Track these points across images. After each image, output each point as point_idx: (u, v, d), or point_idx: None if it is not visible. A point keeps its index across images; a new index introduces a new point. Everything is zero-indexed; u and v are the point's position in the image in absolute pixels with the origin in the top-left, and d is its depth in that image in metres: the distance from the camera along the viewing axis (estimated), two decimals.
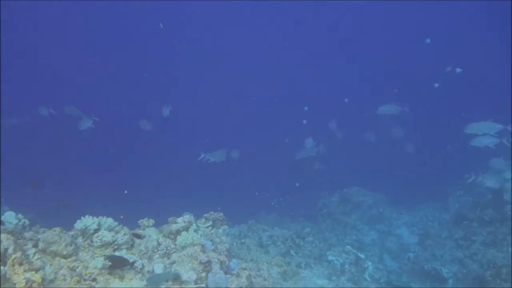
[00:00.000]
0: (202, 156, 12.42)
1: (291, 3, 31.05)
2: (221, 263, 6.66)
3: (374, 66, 30.38)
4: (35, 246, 5.70)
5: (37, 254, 5.33)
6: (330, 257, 11.04)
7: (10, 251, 4.83)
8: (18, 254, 4.79)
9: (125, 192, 9.58)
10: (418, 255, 12.36)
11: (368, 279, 10.64)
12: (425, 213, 14.27)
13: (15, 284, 4.57)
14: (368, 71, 30.40)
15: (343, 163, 20.37)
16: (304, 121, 19.03)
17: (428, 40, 16.61)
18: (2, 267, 4.60)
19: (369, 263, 11.22)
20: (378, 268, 11.42)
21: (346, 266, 10.87)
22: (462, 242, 11.71)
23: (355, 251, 11.54)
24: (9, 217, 6.35)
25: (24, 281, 4.53)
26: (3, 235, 4.94)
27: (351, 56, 32.26)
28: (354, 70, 31.12)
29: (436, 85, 16.34)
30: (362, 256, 11.42)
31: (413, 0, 28.16)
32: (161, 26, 24.93)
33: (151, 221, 7.36)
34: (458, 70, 14.32)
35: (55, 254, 5.62)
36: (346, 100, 23.43)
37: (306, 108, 19.95)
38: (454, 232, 12.27)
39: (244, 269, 6.97)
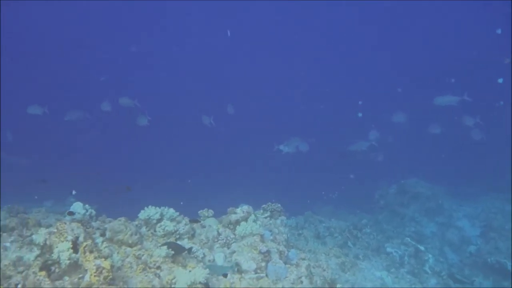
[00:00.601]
0: (276, 147, 12.48)
1: None
2: (280, 253, 6.69)
3: (426, 57, 29.61)
4: (103, 235, 5.94)
5: (105, 242, 5.54)
6: (388, 249, 10.88)
7: (81, 239, 5.04)
8: (89, 242, 5.00)
9: (189, 181, 9.82)
10: (481, 248, 11.97)
11: (429, 271, 10.42)
12: (487, 205, 13.75)
13: (86, 270, 4.77)
14: (420, 62, 29.66)
15: (401, 154, 19.95)
16: (360, 114, 18.80)
17: (499, 31, 16.03)
18: (74, 254, 4.81)
19: (429, 255, 10.98)
20: (439, 260, 11.16)
21: (406, 258, 10.69)
22: None
23: (414, 243, 11.33)
24: (77, 207, 6.65)
25: (94, 267, 4.72)
26: (74, 224, 5.18)
27: (399, 48, 31.53)
28: (404, 61, 30.44)
29: (500, 80, 15.65)
30: (422, 248, 11.20)
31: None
32: (228, 33, 25.25)
33: (211, 212, 7.50)
34: None
35: (121, 243, 5.83)
36: (399, 89, 22.95)
37: (360, 102, 19.70)
38: None
39: (303, 259, 6.97)
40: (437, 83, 24.01)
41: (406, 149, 20.95)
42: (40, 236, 4.97)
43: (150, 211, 6.63)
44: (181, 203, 7.17)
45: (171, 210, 6.80)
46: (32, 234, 5.28)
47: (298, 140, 13.04)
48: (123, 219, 6.21)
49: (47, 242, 4.92)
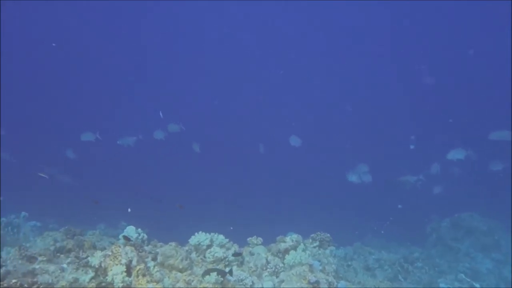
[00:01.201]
0: (350, 177, 12.45)
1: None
2: (330, 284, 6.57)
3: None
4: (154, 259, 6.03)
5: (156, 266, 5.62)
6: (441, 285, 10.47)
7: (134, 262, 5.14)
8: (142, 266, 5.09)
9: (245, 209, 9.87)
10: None
11: None
12: None
13: None
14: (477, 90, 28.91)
15: (456, 188, 19.31)
16: (412, 146, 18.51)
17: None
18: (127, 277, 4.90)
19: None
20: None
21: None
22: None
23: (469, 280, 10.85)
24: (130, 231, 6.80)
25: None
26: (128, 248, 5.29)
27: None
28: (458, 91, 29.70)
29: None
30: (477, 286, 10.71)
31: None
32: (282, 72, 25.66)
33: (260, 239, 7.48)
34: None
35: (172, 268, 5.90)
36: (450, 120, 22.46)
37: (412, 137, 19.43)
38: None
39: None
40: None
41: (461, 182, 20.26)
42: (96, 258, 5.10)
43: (200, 237, 6.70)
44: (231, 228, 7.21)
45: (221, 237, 6.85)
46: (87, 256, 5.42)
47: (365, 167, 12.99)
48: (173, 244, 6.30)
49: (102, 265, 5.04)
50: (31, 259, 5.36)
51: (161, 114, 14.46)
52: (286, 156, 23.21)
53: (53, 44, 28.05)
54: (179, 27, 33.22)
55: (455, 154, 13.39)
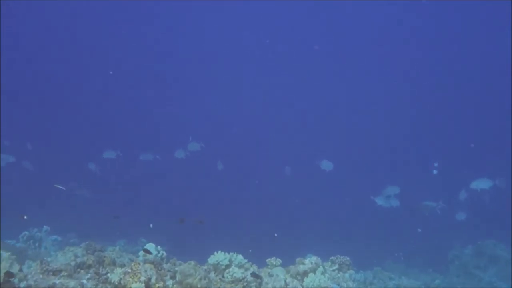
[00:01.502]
0: (379, 201, 12.43)
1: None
2: None
3: None
4: (173, 277, 6.03)
5: (175, 285, 5.62)
6: None
7: (153, 280, 5.15)
8: (161, 284, 5.11)
9: (276, 235, 9.89)
10: None
11: None
12: None
13: None
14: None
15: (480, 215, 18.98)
16: (435, 171, 18.38)
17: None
18: None
19: None
20: None
21: None
22: None
23: None
24: (149, 248, 6.84)
25: None
26: (147, 265, 5.31)
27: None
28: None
29: None
30: None
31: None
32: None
33: (279, 261, 7.43)
34: None
35: (190, 287, 5.89)
36: (471, 145, 22.29)
37: (436, 164, 19.33)
38: None
39: None
40: None
41: (487, 210, 19.90)
42: (115, 275, 5.13)
43: (219, 257, 6.69)
44: (250, 250, 7.17)
45: (240, 257, 6.84)
46: (107, 272, 5.46)
47: (396, 189, 12.92)
48: (192, 262, 6.30)
49: (122, 282, 5.06)
50: (54, 273, 5.42)
51: (190, 138, 14.88)
52: (309, 177, 23.10)
53: (110, 72, 28.52)
54: (182, 29, 33.32)
55: (480, 184, 13.16)
